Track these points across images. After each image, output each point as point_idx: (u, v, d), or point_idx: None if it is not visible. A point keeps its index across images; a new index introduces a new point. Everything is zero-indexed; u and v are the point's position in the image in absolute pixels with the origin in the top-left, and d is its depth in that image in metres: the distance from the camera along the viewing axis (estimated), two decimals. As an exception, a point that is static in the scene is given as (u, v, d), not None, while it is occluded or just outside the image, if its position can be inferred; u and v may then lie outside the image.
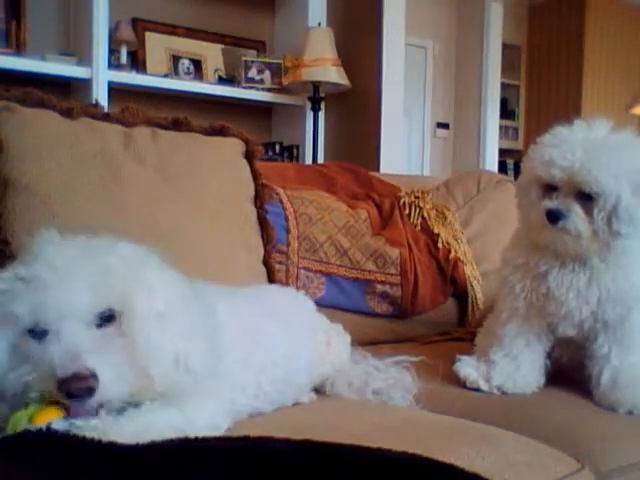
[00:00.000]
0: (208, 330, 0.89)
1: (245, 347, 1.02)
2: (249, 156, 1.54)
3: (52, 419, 0.75)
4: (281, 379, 1.07)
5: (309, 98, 3.46)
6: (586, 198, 1.13)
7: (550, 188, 1.17)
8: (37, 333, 0.78)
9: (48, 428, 0.73)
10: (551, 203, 1.15)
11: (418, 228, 1.84)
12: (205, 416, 0.88)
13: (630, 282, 1.17)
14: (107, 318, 0.81)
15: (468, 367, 1.29)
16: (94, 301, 0.79)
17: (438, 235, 1.83)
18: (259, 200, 1.54)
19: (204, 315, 0.90)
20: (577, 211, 1.13)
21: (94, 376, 0.75)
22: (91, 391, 0.75)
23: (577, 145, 1.13)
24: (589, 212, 1.13)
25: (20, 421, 0.76)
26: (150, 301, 0.82)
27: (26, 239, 0.85)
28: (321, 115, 3.51)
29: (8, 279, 0.80)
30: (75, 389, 0.74)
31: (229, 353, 0.96)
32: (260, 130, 3.67)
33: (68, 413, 0.77)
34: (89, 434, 0.73)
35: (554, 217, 1.14)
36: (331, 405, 1.18)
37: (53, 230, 0.86)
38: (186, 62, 3.48)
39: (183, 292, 0.89)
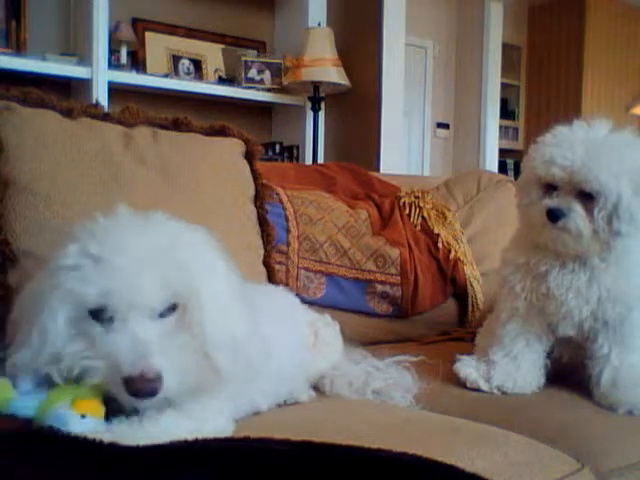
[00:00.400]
0: (254, 318, 0.90)
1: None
2: (249, 156, 1.54)
3: (91, 413, 0.76)
4: (274, 373, 1.07)
5: (309, 98, 3.46)
6: (586, 197, 1.13)
7: (550, 187, 1.17)
8: (102, 317, 0.77)
9: (50, 427, 0.73)
10: (551, 202, 1.15)
11: (418, 228, 1.84)
12: (213, 421, 0.87)
13: (630, 282, 1.17)
14: (171, 307, 0.80)
15: (468, 367, 1.29)
16: (163, 293, 0.79)
17: (438, 235, 1.83)
18: (259, 200, 1.54)
19: (250, 302, 0.91)
20: (578, 210, 1.13)
21: (160, 378, 0.75)
22: (154, 392, 0.75)
23: (577, 144, 1.13)
24: (589, 211, 1.12)
25: (58, 403, 0.76)
26: (216, 289, 0.82)
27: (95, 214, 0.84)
28: (321, 115, 3.51)
29: (76, 254, 0.78)
30: (141, 390, 0.75)
31: None
32: (260, 130, 3.67)
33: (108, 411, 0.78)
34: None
35: (555, 216, 1.14)
36: (331, 405, 1.18)
37: (123, 205, 0.85)
38: (186, 62, 3.48)
39: (237, 278, 0.90)
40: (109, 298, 0.76)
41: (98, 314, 0.78)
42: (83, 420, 0.75)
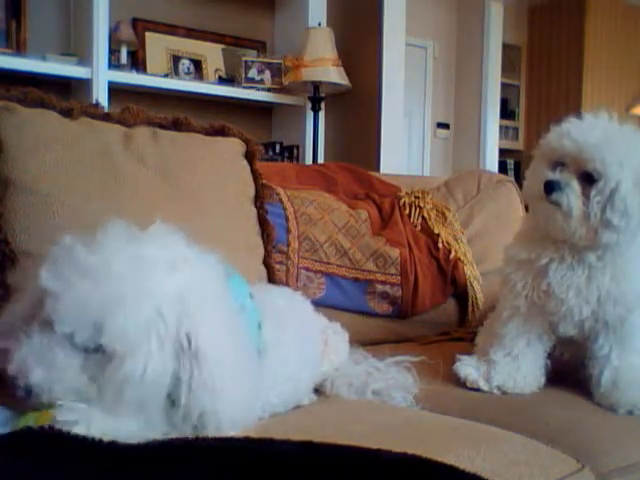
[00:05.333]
0: (248, 387, 0.85)
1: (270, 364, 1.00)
2: (249, 156, 1.54)
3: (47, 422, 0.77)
4: (288, 391, 1.06)
5: (309, 98, 3.46)
6: (588, 180, 1.13)
7: (558, 165, 1.18)
8: None
9: (50, 427, 0.73)
10: (552, 175, 1.16)
11: (418, 228, 1.84)
12: None
13: (629, 283, 1.17)
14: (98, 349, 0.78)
15: (468, 367, 1.29)
16: (86, 336, 0.77)
17: (438, 235, 1.83)
18: (259, 200, 1.54)
19: (248, 364, 0.86)
20: (574, 187, 1.14)
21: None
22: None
23: (597, 126, 1.14)
24: (587, 194, 1.13)
25: (27, 422, 0.77)
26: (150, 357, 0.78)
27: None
28: (321, 115, 3.51)
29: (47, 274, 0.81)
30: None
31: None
32: (260, 130, 3.67)
33: None
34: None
35: (550, 188, 1.15)
36: (331, 406, 1.18)
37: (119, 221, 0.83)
38: (186, 62, 3.47)
39: (229, 330, 0.84)
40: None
41: None
42: None
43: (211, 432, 0.81)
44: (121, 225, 0.84)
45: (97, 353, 0.78)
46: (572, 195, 1.13)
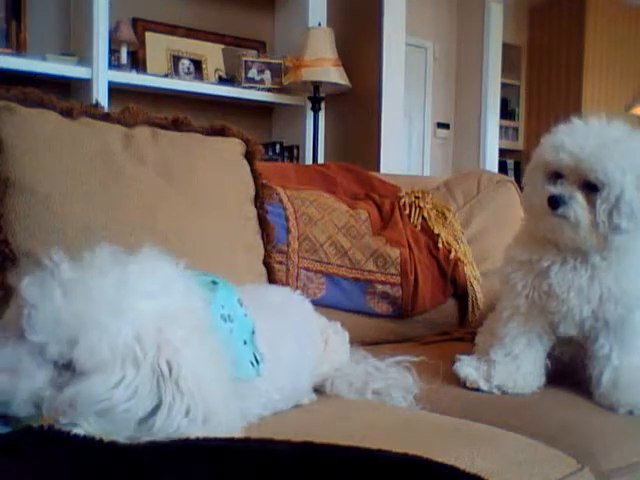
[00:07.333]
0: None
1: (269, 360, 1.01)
2: (249, 156, 1.54)
3: None
4: (288, 387, 1.07)
5: (309, 98, 3.46)
6: (590, 189, 1.13)
7: (556, 176, 1.17)
8: None
9: (50, 427, 0.73)
10: (554, 189, 1.15)
11: (418, 228, 1.84)
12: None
13: (631, 282, 1.17)
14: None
15: (468, 367, 1.29)
16: (58, 350, 0.77)
17: (438, 235, 1.83)
18: (259, 200, 1.54)
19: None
20: (579, 199, 1.13)
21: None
22: None
23: (590, 135, 1.13)
24: (591, 203, 1.12)
25: (27, 422, 0.77)
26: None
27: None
28: (321, 115, 3.51)
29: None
30: None
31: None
32: (260, 130, 3.67)
33: None
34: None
35: (555, 203, 1.14)
36: (331, 406, 1.18)
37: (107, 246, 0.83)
38: (186, 62, 3.47)
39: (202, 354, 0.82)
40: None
41: None
42: None
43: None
44: (109, 248, 0.84)
45: (68, 370, 0.78)
46: (578, 208, 1.13)
